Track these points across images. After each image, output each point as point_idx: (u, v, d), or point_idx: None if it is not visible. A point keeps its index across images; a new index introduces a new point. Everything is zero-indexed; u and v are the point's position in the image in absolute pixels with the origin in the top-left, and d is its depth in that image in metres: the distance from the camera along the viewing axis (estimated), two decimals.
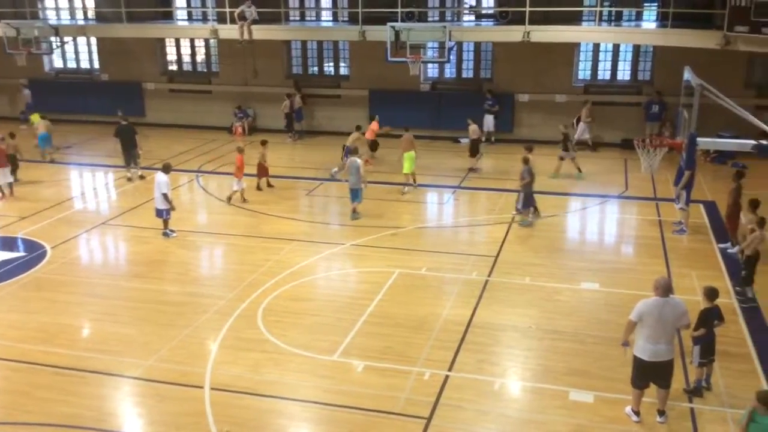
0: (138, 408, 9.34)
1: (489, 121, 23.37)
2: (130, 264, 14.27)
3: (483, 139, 22.27)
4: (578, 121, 22.26)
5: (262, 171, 18.66)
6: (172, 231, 15.36)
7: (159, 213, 15.27)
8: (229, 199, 17.58)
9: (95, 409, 9.18)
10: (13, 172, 19.05)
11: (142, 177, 19.75)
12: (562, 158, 19.24)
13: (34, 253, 14.48)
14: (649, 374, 8.55)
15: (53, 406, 9.20)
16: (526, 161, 15.76)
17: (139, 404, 9.41)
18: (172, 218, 15.40)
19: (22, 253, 14.57)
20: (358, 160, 15.96)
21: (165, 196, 15.03)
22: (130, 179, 19.73)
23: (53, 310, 12.01)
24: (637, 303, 8.46)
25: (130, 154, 19.75)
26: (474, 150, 20.68)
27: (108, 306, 12.19)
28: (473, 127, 20.60)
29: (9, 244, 15.33)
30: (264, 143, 18.92)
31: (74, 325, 11.58)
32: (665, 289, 8.28)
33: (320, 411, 9.13)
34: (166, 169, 15.36)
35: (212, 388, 9.57)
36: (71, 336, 11.20)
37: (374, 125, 21.52)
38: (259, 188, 18.64)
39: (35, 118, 23.59)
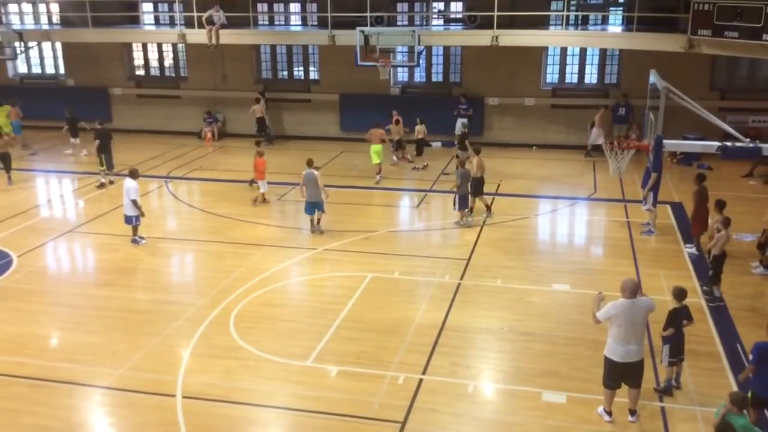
0: (109, 418, 9.21)
1: (461, 124, 23.42)
2: (98, 272, 14.06)
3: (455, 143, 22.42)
4: (592, 125, 22.11)
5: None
6: (142, 238, 15.17)
7: (128, 220, 15.07)
8: (255, 201, 17.79)
9: (65, 420, 9.02)
10: (7, 170, 19.73)
11: (111, 182, 19.46)
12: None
13: (0, 261, 14.19)
14: (621, 374, 8.65)
15: (22, 417, 9.03)
16: (462, 164, 16.28)
17: (110, 414, 9.27)
18: (141, 225, 15.21)
19: None
20: (315, 172, 15.20)
21: (134, 202, 14.84)
22: (102, 185, 19.36)
23: (20, 319, 11.77)
24: (606, 304, 8.55)
25: (104, 157, 19.48)
26: (419, 149, 21.93)
27: (77, 315, 11.99)
28: (420, 128, 21.70)
29: None
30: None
31: (42, 335, 11.37)
32: (632, 290, 8.40)
33: (294, 417, 9.08)
34: (134, 174, 15.17)
35: (184, 397, 9.46)
36: (39, 346, 10.99)
37: (420, 127, 22.04)
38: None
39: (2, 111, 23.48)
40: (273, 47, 25.68)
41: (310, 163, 15.44)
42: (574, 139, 23.24)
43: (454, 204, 16.21)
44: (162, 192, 19.44)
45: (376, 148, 19.73)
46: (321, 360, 10.36)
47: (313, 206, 15.43)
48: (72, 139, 23.01)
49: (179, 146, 24.32)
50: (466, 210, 16.16)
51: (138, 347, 10.72)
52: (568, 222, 17.09)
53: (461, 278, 13.20)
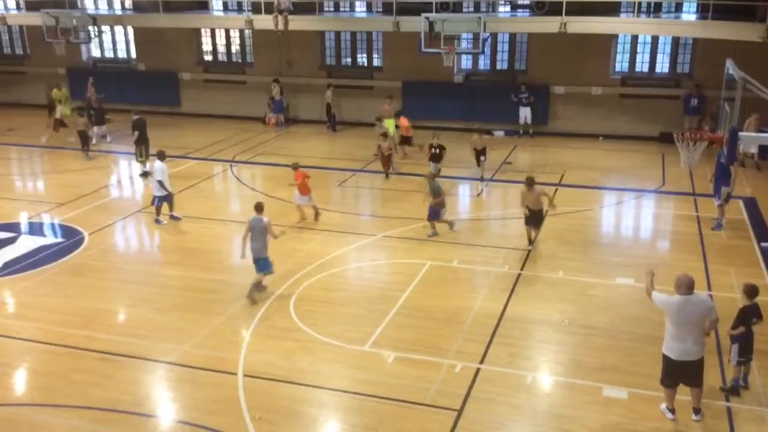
0: (172, 393, 9.49)
1: (525, 113, 23.12)
2: (164, 251, 14.46)
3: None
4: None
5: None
6: (169, 217, 15.61)
7: (153, 200, 15.54)
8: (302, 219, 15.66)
9: (131, 393, 9.33)
10: (85, 146, 21.21)
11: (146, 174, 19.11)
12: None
13: (72, 239, 14.75)
14: (679, 373, 8.38)
15: (90, 390, 9.38)
16: (433, 177, 15.08)
17: (174, 389, 9.55)
18: (175, 205, 15.67)
19: (60, 239, 14.86)
20: (265, 219, 11.76)
21: (160, 183, 15.18)
22: (145, 174, 19.18)
23: (90, 295, 12.23)
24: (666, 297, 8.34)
25: (143, 148, 19.50)
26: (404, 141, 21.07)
27: (144, 292, 12.38)
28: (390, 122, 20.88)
29: (48, 230, 15.66)
30: (384, 135, 19.45)
31: (111, 311, 11.79)
32: (687, 286, 8.12)
33: (351, 400, 9.16)
34: (161, 156, 15.57)
35: (245, 375, 9.67)
36: (108, 321, 11.40)
37: (402, 121, 21.03)
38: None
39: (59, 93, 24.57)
40: (337, 33, 25.80)
41: (258, 208, 11.99)
42: (643, 130, 22.61)
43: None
44: (226, 175, 19.83)
45: (389, 122, 20.74)
46: (378, 345, 10.41)
47: (259, 264, 11.83)
48: (96, 128, 22.83)
49: (244, 131, 24.74)
50: (434, 222, 14.70)
51: (202, 325, 10.99)
52: (634, 215, 16.65)
53: (521, 269, 13.04)
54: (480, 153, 18.50)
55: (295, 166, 15.49)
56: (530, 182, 13.75)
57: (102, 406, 8.99)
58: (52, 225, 15.84)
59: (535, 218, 13.88)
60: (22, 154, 22.26)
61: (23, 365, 10.17)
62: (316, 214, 15.55)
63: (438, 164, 17.87)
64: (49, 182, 19.63)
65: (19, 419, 8.83)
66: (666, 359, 8.39)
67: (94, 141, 22.44)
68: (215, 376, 9.70)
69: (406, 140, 20.85)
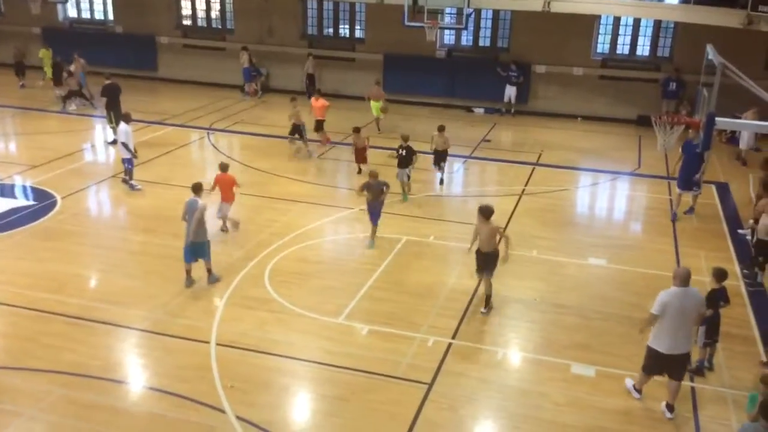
0: (144, 359, 9.46)
1: (511, 92, 23.07)
2: (138, 217, 14.30)
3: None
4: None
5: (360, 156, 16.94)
6: (135, 184, 15.40)
7: (122, 162, 15.41)
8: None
9: (102, 358, 9.30)
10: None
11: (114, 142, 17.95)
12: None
13: (45, 202, 14.54)
14: (664, 366, 8.34)
15: (60, 354, 9.32)
16: (374, 176, 12.88)
17: (146, 356, 9.52)
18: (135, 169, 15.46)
19: (32, 202, 14.63)
20: (200, 201, 11.00)
21: (124, 145, 15.01)
22: (114, 141, 17.63)
23: (63, 259, 12.10)
24: (658, 296, 8.17)
25: (113, 113, 18.63)
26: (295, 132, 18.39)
27: (116, 258, 12.27)
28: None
29: (20, 192, 15.41)
30: (356, 130, 16.82)
31: (83, 275, 11.69)
32: (685, 278, 8.06)
33: (323, 371, 9.22)
34: (126, 118, 15.36)
35: (218, 344, 9.67)
36: (80, 286, 11.30)
37: (320, 102, 18.98)
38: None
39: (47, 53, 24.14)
40: (320, 3, 25.45)
41: (196, 189, 11.17)
42: (621, 112, 22.76)
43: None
44: (203, 143, 19.62)
45: (375, 104, 20.76)
46: (352, 318, 10.46)
47: (194, 250, 11.13)
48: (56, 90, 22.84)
49: (222, 98, 24.43)
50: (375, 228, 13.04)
51: (175, 293, 10.95)
52: (608, 196, 16.82)
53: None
54: (440, 156, 16.35)
55: (224, 167, 13.11)
56: (487, 213, 10.46)
57: (72, 370, 8.95)
58: (24, 187, 15.58)
59: (487, 261, 10.61)
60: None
61: None
62: (235, 224, 13.31)
63: (406, 169, 15.12)
64: (22, 144, 19.27)
65: None
66: (652, 352, 8.31)
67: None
68: (188, 344, 9.70)
69: (318, 124, 18.80)
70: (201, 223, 10.98)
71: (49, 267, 11.77)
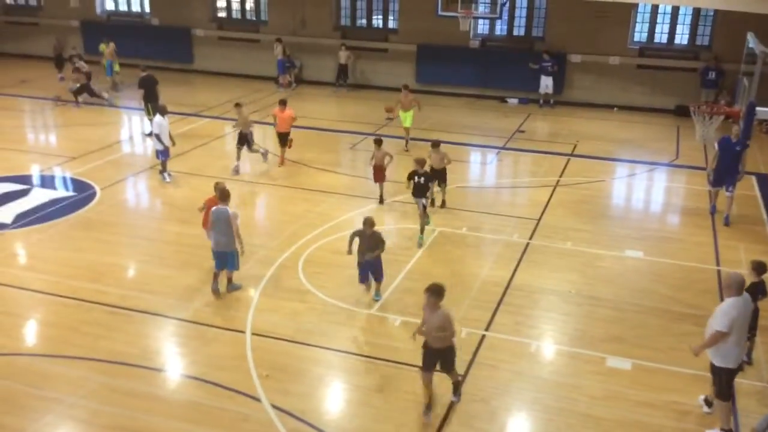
0: (181, 348, 9.63)
1: (547, 82, 22.75)
2: (175, 208, 14.50)
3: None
4: None
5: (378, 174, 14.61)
6: (169, 175, 15.58)
7: (156, 154, 15.56)
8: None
9: (140, 347, 9.48)
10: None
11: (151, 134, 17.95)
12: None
13: (84, 193, 14.84)
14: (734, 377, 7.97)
15: (99, 342, 9.53)
16: (371, 224, 10.49)
17: (183, 345, 9.69)
18: (169, 160, 15.62)
19: (72, 193, 14.94)
20: (230, 210, 10.47)
21: (157, 137, 15.18)
22: (151, 134, 17.55)
23: (101, 249, 12.34)
24: (720, 311, 7.77)
25: (151, 105, 18.83)
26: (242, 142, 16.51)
27: (154, 248, 12.49)
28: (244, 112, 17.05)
29: (60, 183, 15.75)
30: (378, 142, 14.59)
31: (122, 265, 11.92)
32: (741, 286, 7.76)
33: (356, 361, 9.29)
34: (162, 111, 15.43)
35: (253, 334, 9.79)
36: (118, 275, 11.53)
37: (287, 113, 16.72)
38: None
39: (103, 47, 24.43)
40: None
41: (223, 196, 10.61)
42: (659, 102, 22.37)
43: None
44: (237, 135, 19.73)
45: (405, 114, 18.15)
46: (385, 309, 10.50)
47: (222, 258, 10.77)
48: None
49: (257, 90, 24.60)
50: (366, 283, 10.77)
51: (210, 283, 11.07)
52: (645, 187, 16.57)
53: (530, 238, 13.04)
54: (438, 175, 13.88)
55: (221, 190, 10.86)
56: (438, 293, 8.04)
57: (111, 358, 9.15)
58: (64, 178, 15.92)
59: (444, 361, 8.25)
60: (34, 107, 22.25)
61: (35, 317, 10.34)
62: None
63: (423, 199, 12.71)
64: (62, 136, 19.67)
65: (32, 369, 9.00)
66: (728, 372, 7.77)
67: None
68: (223, 334, 9.84)
69: (282, 138, 16.72)
70: (230, 232, 10.44)
71: (88, 257, 12.02)
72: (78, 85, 21.90)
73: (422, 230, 12.79)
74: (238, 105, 16.55)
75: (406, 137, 18.30)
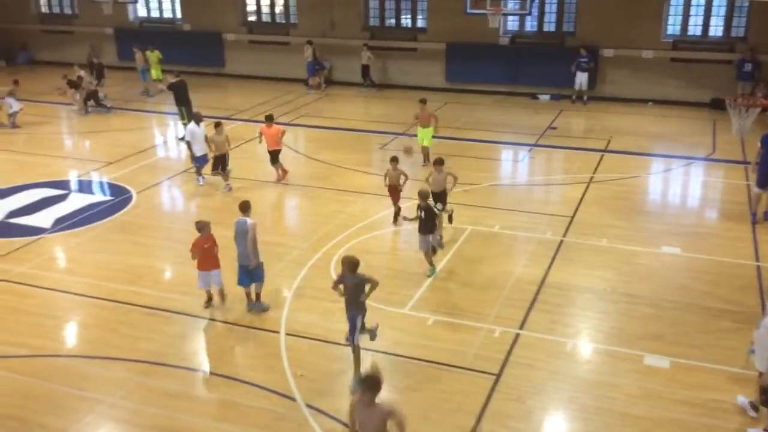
0: (217, 348, 9.75)
1: (582, 78, 22.46)
2: (209, 211, 14.61)
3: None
4: None
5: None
6: (203, 178, 15.74)
7: (191, 159, 15.74)
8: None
9: (177, 347, 9.62)
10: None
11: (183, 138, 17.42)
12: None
13: (121, 197, 15.10)
14: None
15: (138, 343, 9.68)
16: (351, 268, 8.66)
17: (218, 345, 9.81)
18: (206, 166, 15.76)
19: (109, 197, 15.21)
20: (249, 221, 10.15)
21: (188, 144, 15.39)
22: (184, 138, 17.46)
23: (138, 252, 12.54)
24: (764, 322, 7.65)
25: (184, 110, 19.25)
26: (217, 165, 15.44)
27: (188, 250, 12.59)
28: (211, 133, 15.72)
29: (97, 187, 16.04)
30: (394, 160, 13.56)
31: (158, 268, 12.10)
32: None
33: (390, 361, 9.28)
34: (196, 118, 15.49)
35: (287, 334, 9.86)
36: (155, 277, 11.70)
37: (275, 128, 15.77)
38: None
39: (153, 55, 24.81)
40: None
41: (244, 208, 10.32)
42: (694, 96, 21.97)
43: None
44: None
45: (423, 131, 16.52)
46: (418, 308, 10.49)
47: (247, 274, 10.34)
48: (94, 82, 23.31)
49: (287, 92, 24.77)
50: (356, 337, 8.88)
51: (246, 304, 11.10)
52: (681, 182, 16.29)
53: (564, 235, 12.91)
54: (438, 198, 12.40)
55: (202, 227, 10.29)
56: (375, 388, 6.22)
57: (149, 359, 9.29)
58: (101, 183, 16.21)
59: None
60: (70, 114, 22.68)
61: (74, 319, 10.54)
62: (222, 296, 10.72)
63: (429, 236, 11.25)
64: (98, 141, 20.01)
65: (71, 370, 9.18)
66: None
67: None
68: (258, 334, 9.93)
69: (273, 156, 15.84)
70: (254, 244, 10.14)
71: (125, 260, 12.22)
72: (85, 92, 22.35)
73: (432, 265, 11.45)
74: (218, 125, 15.32)
75: (425, 154, 16.55)
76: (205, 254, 10.20)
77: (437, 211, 11.50)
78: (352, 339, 8.85)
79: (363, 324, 8.81)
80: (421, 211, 11.15)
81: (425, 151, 16.60)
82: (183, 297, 10.91)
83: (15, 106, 20.48)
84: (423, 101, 16.74)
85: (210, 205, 14.87)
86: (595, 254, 12.19)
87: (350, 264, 8.58)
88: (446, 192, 12.76)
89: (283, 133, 15.87)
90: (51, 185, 15.80)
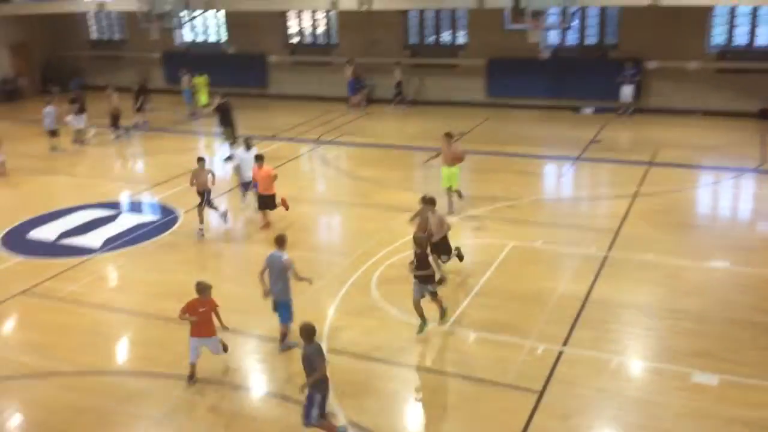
0: (261, 365, 9.88)
1: (627, 91, 22.19)
2: (253, 230, 14.88)
3: None
4: None
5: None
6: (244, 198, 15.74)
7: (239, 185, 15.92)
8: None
9: (223, 364, 9.75)
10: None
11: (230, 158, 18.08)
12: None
13: (168, 217, 15.46)
14: None
15: (185, 360, 9.79)
16: (309, 335, 7.95)
17: (263, 361, 9.94)
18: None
19: (157, 217, 15.60)
20: (285, 256, 9.70)
21: (236, 169, 15.61)
22: (229, 158, 18.23)
23: (186, 270, 12.77)
24: None
25: (228, 131, 19.83)
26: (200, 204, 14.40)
27: (234, 268, 12.90)
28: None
29: (146, 208, 16.46)
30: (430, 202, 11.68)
31: None
32: None
33: (432, 378, 9.28)
34: (247, 144, 15.60)
35: (329, 350, 9.90)
36: None
37: (265, 170, 14.32)
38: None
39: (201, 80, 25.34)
40: (421, 11, 25.65)
41: (280, 242, 9.87)
42: (742, 106, 21.47)
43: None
44: (312, 155, 20.20)
45: (448, 171, 14.45)
46: (459, 325, 10.45)
47: (282, 309, 9.91)
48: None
49: (329, 111, 25.07)
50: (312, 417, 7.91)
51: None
52: (731, 195, 15.92)
53: (608, 250, 12.73)
54: (439, 248, 11.35)
55: (202, 288, 9.53)
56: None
57: (197, 375, 9.44)
58: (149, 204, 16.63)
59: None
60: (120, 137, 23.35)
61: (124, 336, 10.82)
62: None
63: (422, 288, 10.02)
64: (147, 163, 20.57)
65: (121, 386, 9.41)
66: None
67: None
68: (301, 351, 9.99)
69: (264, 202, 14.42)
70: (283, 279, 9.71)
71: (173, 278, 12.50)
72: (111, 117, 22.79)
73: (442, 315, 10.34)
74: (200, 159, 14.45)
75: (450, 199, 14.47)
76: (202, 318, 9.28)
77: (442, 263, 10.97)
78: (307, 419, 7.82)
79: (324, 407, 7.86)
80: (415, 260, 9.95)
81: (450, 197, 14.49)
82: (229, 314, 10.96)
83: (78, 123, 21.42)
84: (449, 135, 14.39)
85: (254, 224, 15.08)
86: (641, 269, 11.97)
87: (306, 331, 7.79)
88: (447, 238, 11.56)
89: (275, 177, 14.34)
90: (101, 206, 16.27)
